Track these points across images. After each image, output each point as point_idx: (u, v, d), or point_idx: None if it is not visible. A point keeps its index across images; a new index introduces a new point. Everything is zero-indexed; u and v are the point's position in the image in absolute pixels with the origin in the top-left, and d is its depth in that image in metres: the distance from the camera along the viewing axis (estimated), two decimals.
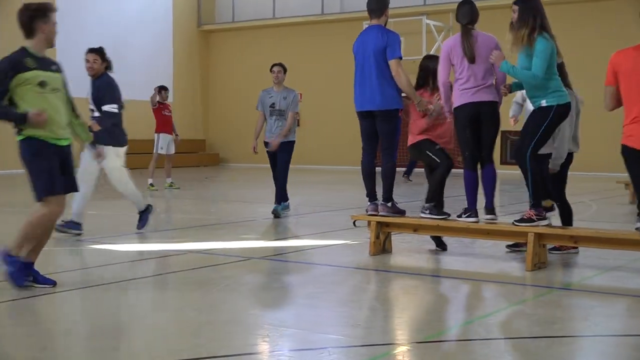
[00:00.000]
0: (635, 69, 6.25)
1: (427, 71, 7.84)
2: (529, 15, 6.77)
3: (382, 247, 7.73)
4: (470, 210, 7.26)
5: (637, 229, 6.41)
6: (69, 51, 23.92)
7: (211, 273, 6.87)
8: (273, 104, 10.87)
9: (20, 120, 5.71)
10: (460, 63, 7.19)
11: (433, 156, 7.62)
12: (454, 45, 7.25)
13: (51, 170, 5.82)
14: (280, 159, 10.84)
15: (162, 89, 15.81)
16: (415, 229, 7.68)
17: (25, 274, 5.86)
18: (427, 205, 7.47)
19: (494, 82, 7.21)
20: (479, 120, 7.19)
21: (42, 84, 5.79)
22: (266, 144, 10.93)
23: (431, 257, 7.80)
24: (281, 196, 10.83)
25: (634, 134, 6.22)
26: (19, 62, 5.75)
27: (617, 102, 6.43)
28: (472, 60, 7.11)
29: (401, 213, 7.68)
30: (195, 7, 28.31)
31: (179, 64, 27.37)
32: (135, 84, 24.67)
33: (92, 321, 5.29)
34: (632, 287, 6.36)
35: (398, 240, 8.40)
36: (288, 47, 26.71)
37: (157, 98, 15.59)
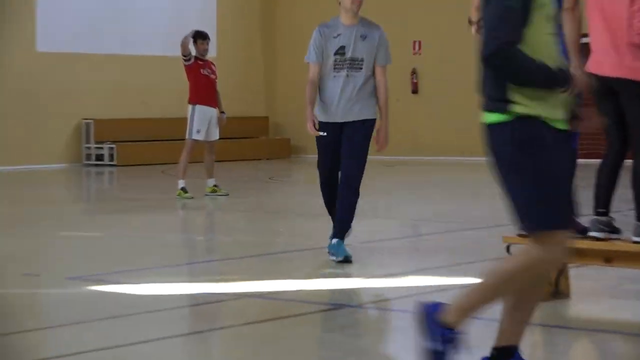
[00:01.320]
0: None
1: None
2: None
3: (554, 287, 7.59)
4: None
5: None
6: None
7: (280, 329, 6.86)
8: (342, 47, 9.73)
9: (563, 83, 5.02)
10: None
11: None
12: None
13: (555, 180, 5.06)
14: (357, 146, 9.91)
15: (198, 36, 15.89)
16: (609, 258, 7.52)
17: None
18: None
19: None
20: None
21: (548, 19, 5.18)
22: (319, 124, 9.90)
23: (634, 305, 7.67)
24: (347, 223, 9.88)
25: None
26: None
27: None
28: None
29: (582, 232, 7.53)
30: None
31: None
32: (159, 31, 25.11)
33: None
34: None
35: (579, 276, 8.26)
36: None
37: (192, 49, 15.67)
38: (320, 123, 9.71)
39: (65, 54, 24.33)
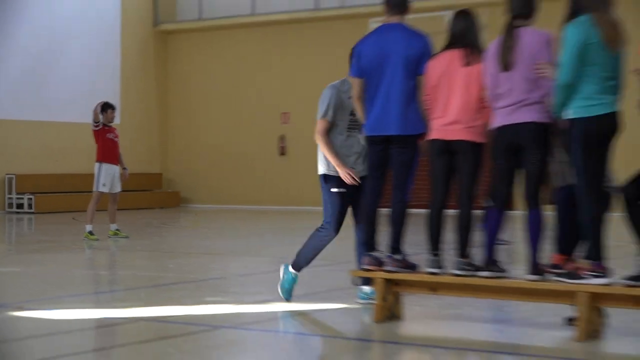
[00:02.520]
0: None
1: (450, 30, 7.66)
2: None
3: (390, 312, 7.71)
4: (492, 262, 7.32)
5: None
6: None
7: (168, 347, 6.84)
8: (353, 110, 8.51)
9: None
10: (497, 71, 7.20)
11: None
12: (493, 50, 7.27)
13: None
14: None
15: (106, 107, 15.68)
16: (434, 288, 7.68)
17: None
18: (460, 260, 7.44)
19: (544, 97, 7.17)
20: (519, 147, 7.26)
21: None
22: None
23: (454, 325, 7.81)
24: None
25: None
26: None
27: None
28: (507, 67, 7.13)
29: (413, 267, 7.74)
30: (151, 1, 28.16)
31: (128, 76, 27.25)
32: (73, 102, 24.76)
33: None
34: None
35: (409, 303, 8.33)
36: (272, 52, 26.65)
37: (101, 117, 15.57)
38: (338, 178, 8.42)
39: None
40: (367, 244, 7.93)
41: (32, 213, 23.97)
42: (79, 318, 8.09)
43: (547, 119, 7.19)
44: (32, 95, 24.70)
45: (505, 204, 7.38)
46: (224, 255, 13.70)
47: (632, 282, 6.85)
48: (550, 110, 7.15)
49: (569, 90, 6.89)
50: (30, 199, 24.34)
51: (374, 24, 9.15)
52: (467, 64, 7.44)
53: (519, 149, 7.25)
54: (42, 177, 24.88)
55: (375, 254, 7.83)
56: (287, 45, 26.68)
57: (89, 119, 15.92)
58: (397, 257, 7.75)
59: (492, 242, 7.39)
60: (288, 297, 8.64)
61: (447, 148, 7.51)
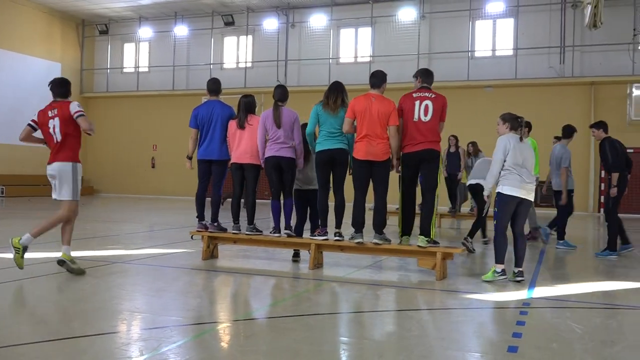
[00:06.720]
0: (366, 110, 6.65)
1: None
2: None
3: (211, 254, 7.59)
4: (276, 228, 7.34)
5: (374, 243, 6.77)
6: None
7: (92, 274, 6.38)
8: None
9: None
10: (271, 127, 7.19)
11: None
12: (267, 115, 7.26)
13: None
14: None
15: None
16: (235, 241, 7.59)
17: None
18: (249, 227, 7.41)
19: (293, 144, 7.18)
20: (281, 169, 7.21)
21: None
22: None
23: (245, 261, 7.70)
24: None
25: (359, 149, 6.64)
26: None
27: (353, 129, 6.78)
28: (278, 125, 7.15)
29: (224, 230, 7.61)
30: (79, 78, 26.83)
31: None
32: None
33: None
34: (378, 279, 6.57)
35: (223, 248, 8.27)
36: (148, 112, 26.00)
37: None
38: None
39: None
40: (199, 217, 7.68)
41: (3, 197, 21.99)
42: (34, 257, 7.40)
43: (294, 156, 7.19)
44: (6, 127, 22.60)
45: (279, 197, 7.35)
46: (118, 222, 12.94)
47: (338, 238, 7.02)
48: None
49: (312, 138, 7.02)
50: (3, 188, 22.37)
51: (204, 98, 8.95)
52: (243, 126, 7.37)
53: (281, 169, 7.21)
54: (10, 176, 22.86)
55: (203, 222, 7.66)
56: (156, 108, 25.75)
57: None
58: (215, 224, 7.60)
59: (277, 217, 7.34)
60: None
61: (241, 166, 7.36)
